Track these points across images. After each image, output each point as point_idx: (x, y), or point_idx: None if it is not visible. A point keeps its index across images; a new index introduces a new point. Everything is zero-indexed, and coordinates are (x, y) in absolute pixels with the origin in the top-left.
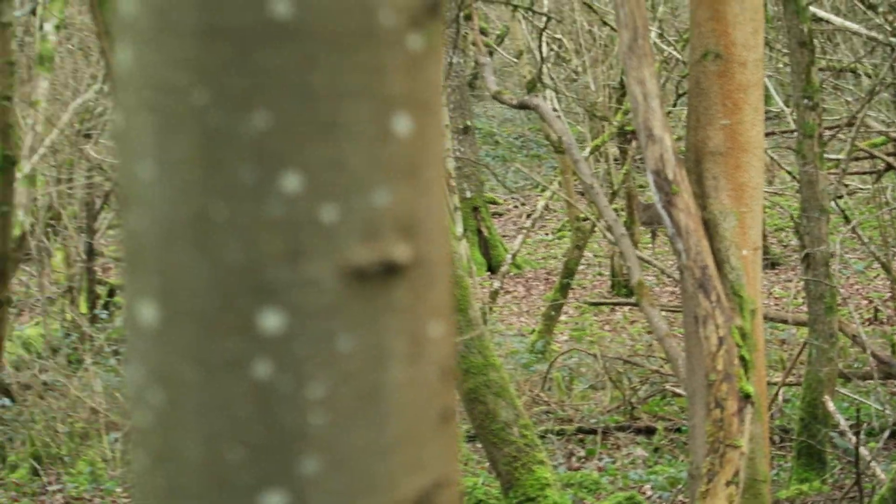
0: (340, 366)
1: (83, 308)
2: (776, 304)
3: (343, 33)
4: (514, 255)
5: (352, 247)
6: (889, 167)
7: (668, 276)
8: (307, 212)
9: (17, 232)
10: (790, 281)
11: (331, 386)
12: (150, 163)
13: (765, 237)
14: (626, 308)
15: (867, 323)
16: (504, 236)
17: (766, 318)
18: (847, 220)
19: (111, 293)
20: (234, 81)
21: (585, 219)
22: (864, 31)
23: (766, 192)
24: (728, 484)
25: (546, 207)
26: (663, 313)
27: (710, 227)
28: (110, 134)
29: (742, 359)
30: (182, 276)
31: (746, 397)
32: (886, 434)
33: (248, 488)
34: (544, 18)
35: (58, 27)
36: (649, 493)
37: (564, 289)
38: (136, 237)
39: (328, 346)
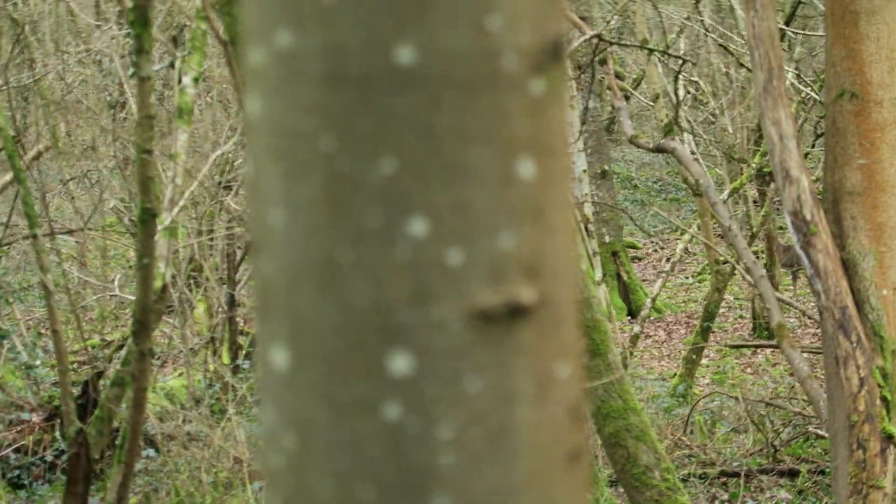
0: (468, 407)
1: (225, 359)
2: None
3: (467, 78)
4: (653, 299)
5: (478, 289)
6: None
7: (810, 318)
8: (434, 255)
9: (158, 284)
10: None
11: (459, 427)
12: (279, 208)
13: None
14: (768, 350)
15: None
16: (644, 280)
17: None
18: None
19: (253, 343)
20: (360, 127)
21: (725, 262)
22: None
23: None
24: None
25: (685, 251)
26: (805, 355)
27: (849, 268)
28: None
29: (884, 399)
30: (311, 320)
31: (889, 438)
32: None
33: None
34: (680, 61)
35: (196, 80)
36: None
37: (705, 332)
38: (266, 283)
39: (456, 387)
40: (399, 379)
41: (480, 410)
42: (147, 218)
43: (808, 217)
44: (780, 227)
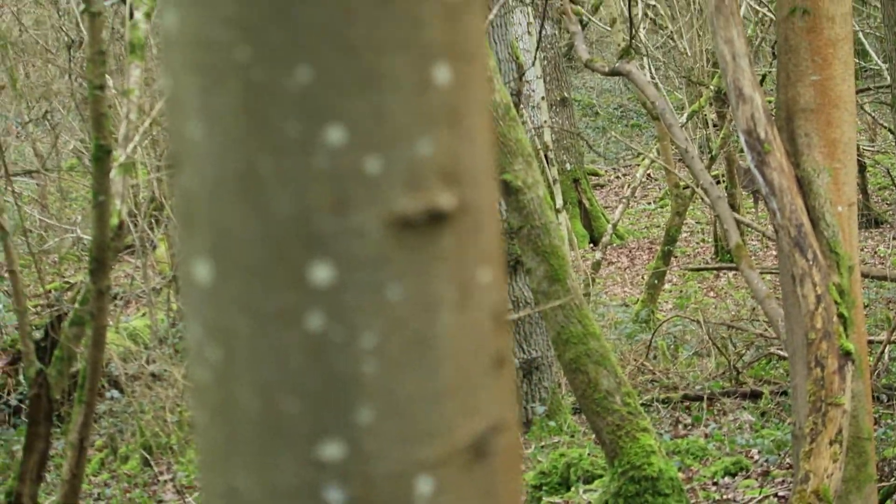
0: (390, 314)
1: None
2: (881, 263)
3: None
4: (614, 225)
5: (397, 196)
6: None
7: (771, 240)
8: (352, 163)
9: (114, 221)
10: (895, 240)
11: (382, 335)
12: (197, 121)
13: (868, 195)
14: (731, 274)
15: None
16: (606, 207)
17: (868, 277)
18: None
19: None
20: (275, 37)
21: (686, 186)
22: None
23: (868, 149)
24: (831, 443)
25: (648, 176)
26: (767, 276)
27: (803, 185)
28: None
29: (841, 316)
30: (232, 232)
31: (847, 355)
32: None
33: (304, 438)
34: None
35: (148, 15)
36: (756, 456)
37: (666, 256)
38: (187, 196)
39: (377, 295)
40: (321, 289)
41: (402, 318)
42: (101, 155)
43: (762, 135)
44: (741, 150)
